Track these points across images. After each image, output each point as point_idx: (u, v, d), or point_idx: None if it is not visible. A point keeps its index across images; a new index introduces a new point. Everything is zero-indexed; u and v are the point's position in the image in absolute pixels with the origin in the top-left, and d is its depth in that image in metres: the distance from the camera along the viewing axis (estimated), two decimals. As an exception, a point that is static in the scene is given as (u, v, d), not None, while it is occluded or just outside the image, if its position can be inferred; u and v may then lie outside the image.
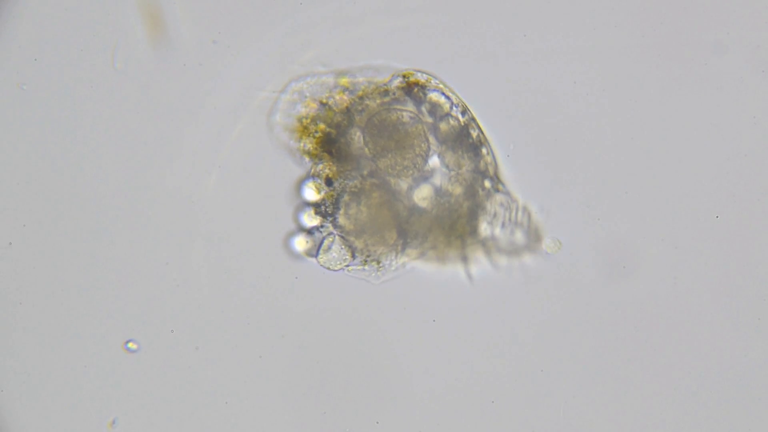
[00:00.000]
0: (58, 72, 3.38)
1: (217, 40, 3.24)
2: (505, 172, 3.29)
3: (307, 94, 3.25)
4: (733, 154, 3.37)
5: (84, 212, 3.38)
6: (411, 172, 3.13)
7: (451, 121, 3.19)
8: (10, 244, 3.37)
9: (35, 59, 3.37)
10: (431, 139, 3.16)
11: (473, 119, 3.19)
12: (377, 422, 3.38)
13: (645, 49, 3.37)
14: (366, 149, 3.13)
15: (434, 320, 3.39)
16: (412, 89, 3.20)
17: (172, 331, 3.38)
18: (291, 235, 3.30)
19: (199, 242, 3.37)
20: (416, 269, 3.33)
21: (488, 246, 3.27)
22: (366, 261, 3.24)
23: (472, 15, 3.36)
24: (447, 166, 3.16)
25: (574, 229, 3.38)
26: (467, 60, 3.35)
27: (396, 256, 3.23)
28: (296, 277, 3.37)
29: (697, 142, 3.38)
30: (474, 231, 3.22)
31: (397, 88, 3.20)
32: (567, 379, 3.38)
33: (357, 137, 3.17)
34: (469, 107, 3.18)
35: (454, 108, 3.21)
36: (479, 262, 3.32)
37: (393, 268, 3.27)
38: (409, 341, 3.39)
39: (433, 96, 3.20)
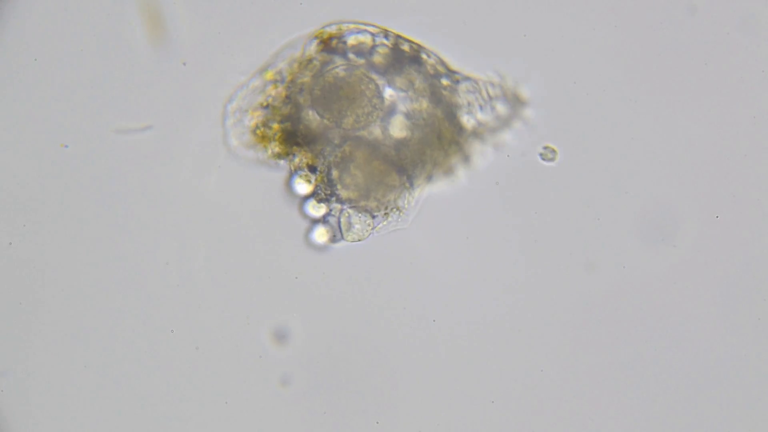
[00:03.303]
0: (58, 72, 3.38)
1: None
2: (452, 60, 3.30)
3: (246, 107, 3.25)
4: (733, 154, 3.37)
5: (84, 212, 3.38)
6: (375, 115, 3.13)
7: (381, 50, 3.20)
8: (10, 244, 3.37)
9: (35, 59, 3.37)
10: (373, 76, 3.16)
11: (398, 36, 3.21)
12: (377, 422, 3.38)
13: (645, 49, 3.37)
14: (325, 121, 3.13)
15: (434, 320, 3.39)
16: (331, 44, 3.20)
17: (172, 331, 3.38)
18: (308, 231, 3.30)
19: (199, 242, 3.37)
20: (434, 195, 3.31)
21: (480, 133, 3.27)
22: (387, 214, 3.24)
23: (472, 15, 3.37)
24: (402, 90, 3.16)
25: (573, 227, 3.38)
26: (466, 60, 3.36)
27: (409, 193, 3.24)
28: (296, 277, 3.37)
29: (697, 142, 3.38)
30: (460, 129, 3.23)
31: (317, 51, 3.20)
32: (567, 379, 3.38)
33: (311, 115, 3.17)
34: (389, 28, 3.20)
35: (376, 38, 3.22)
36: (482, 153, 3.30)
37: (413, 204, 3.27)
38: (409, 341, 3.40)
39: (352, 39, 3.20)
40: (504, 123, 3.25)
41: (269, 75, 3.16)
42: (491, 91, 3.25)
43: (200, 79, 3.36)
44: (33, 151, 3.37)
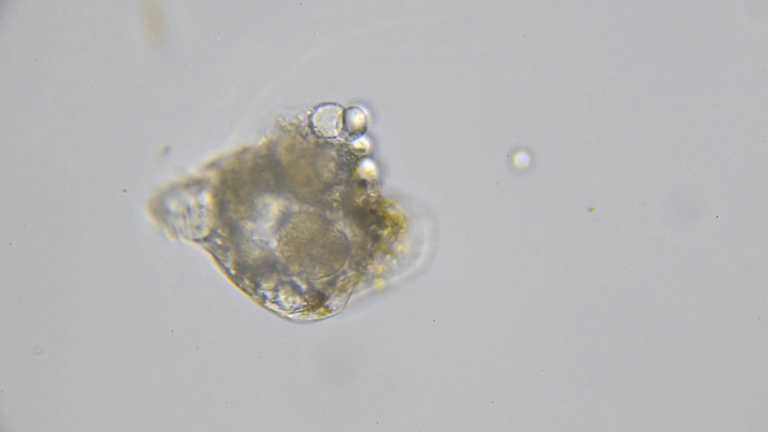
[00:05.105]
0: (58, 72, 3.38)
1: (220, 36, 3.27)
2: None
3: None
4: (733, 154, 3.37)
5: (84, 212, 3.38)
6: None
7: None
8: (10, 244, 3.37)
9: (35, 59, 3.37)
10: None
11: None
12: (377, 422, 3.38)
13: (645, 49, 3.37)
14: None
15: (434, 320, 3.39)
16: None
17: (172, 331, 3.38)
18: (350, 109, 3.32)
19: (199, 242, 3.37)
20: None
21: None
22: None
23: (471, 15, 3.37)
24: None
25: (571, 225, 3.38)
26: (466, 60, 3.36)
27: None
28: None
29: (697, 142, 3.38)
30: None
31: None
32: (566, 379, 3.39)
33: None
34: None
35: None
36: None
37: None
38: (409, 341, 3.40)
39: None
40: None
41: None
42: (189, 224, 3.29)
43: (200, 78, 3.35)
44: (33, 151, 3.37)
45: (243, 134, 3.33)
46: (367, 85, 3.32)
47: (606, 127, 3.38)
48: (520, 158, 3.30)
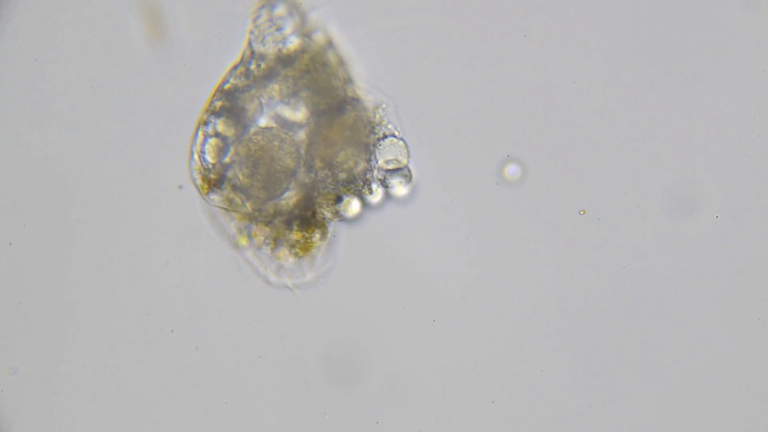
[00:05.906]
0: (58, 72, 3.38)
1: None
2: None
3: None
4: (733, 154, 3.37)
5: (84, 212, 3.38)
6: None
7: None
8: (10, 244, 3.37)
9: (35, 59, 3.37)
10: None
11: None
12: (377, 422, 3.38)
13: (644, 49, 3.37)
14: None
15: (434, 320, 3.39)
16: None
17: (172, 331, 3.38)
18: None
19: (199, 242, 3.37)
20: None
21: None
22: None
23: (471, 15, 3.37)
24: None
25: (570, 228, 3.38)
26: (466, 60, 3.36)
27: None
28: (295, 278, 3.38)
29: (697, 142, 3.38)
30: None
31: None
32: (567, 379, 3.39)
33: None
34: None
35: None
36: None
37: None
38: (409, 341, 3.40)
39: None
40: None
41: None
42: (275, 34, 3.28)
43: (200, 79, 3.36)
44: (33, 151, 3.37)
45: (367, 72, 3.32)
46: (367, 85, 3.32)
47: (604, 125, 3.38)
48: (511, 170, 3.30)
